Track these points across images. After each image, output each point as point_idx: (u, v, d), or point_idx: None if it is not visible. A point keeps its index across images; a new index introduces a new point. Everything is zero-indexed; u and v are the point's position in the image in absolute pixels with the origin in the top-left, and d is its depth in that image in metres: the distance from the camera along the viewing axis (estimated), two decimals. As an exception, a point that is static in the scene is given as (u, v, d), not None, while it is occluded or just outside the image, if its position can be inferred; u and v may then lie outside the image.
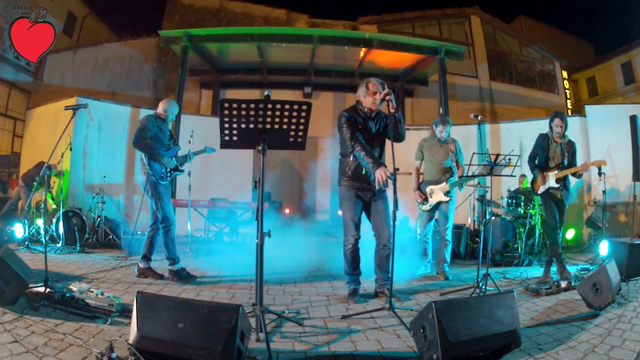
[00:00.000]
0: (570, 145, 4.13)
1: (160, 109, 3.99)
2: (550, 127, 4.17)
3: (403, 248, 4.91)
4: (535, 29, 16.80)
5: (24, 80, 10.48)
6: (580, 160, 4.20)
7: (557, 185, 4.06)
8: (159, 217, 3.86)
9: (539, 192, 4.18)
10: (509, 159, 3.69)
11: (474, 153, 4.01)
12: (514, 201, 5.82)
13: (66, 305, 2.69)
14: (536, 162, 4.22)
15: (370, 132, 3.33)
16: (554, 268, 4.29)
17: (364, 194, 3.35)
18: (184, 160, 4.11)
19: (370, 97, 3.27)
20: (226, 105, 2.47)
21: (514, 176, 3.83)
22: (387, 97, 3.06)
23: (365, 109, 3.33)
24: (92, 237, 5.70)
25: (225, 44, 7.78)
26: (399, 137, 3.23)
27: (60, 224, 5.33)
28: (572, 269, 4.57)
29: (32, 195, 5.10)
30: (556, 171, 4.06)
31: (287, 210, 7.65)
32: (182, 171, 4.10)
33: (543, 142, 4.21)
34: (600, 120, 6.90)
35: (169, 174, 3.94)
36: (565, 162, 4.08)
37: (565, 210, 4.14)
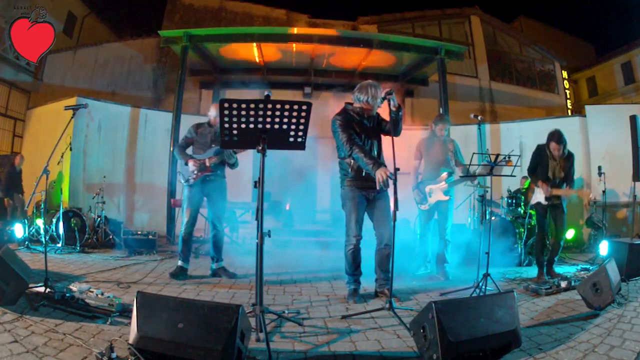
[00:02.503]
0: (567, 160, 4.08)
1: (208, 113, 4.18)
2: (548, 148, 4.08)
3: (403, 248, 4.90)
4: (535, 29, 16.80)
5: (24, 80, 10.47)
6: (579, 166, 4.17)
7: (546, 203, 4.09)
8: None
9: (531, 203, 4.23)
10: (509, 157, 3.69)
11: (474, 153, 4.00)
12: (514, 201, 5.82)
13: (66, 305, 2.69)
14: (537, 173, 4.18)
15: (366, 128, 3.34)
16: (555, 267, 4.29)
17: (368, 193, 3.35)
18: (226, 160, 3.96)
19: (372, 99, 3.26)
20: (226, 105, 2.47)
21: (514, 176, 3.81)
22: (388, 97, 3.06)
23: (358, 109, 3.34)
24: (92, 237, 5.70)
25: (225, 44, 7.78)
26: (396, 133, 3.23)
27: (60, 224, 5.33)
28: (572, 269, 4.58)
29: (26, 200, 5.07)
30: (547, 188, 4.04)
31: (287, 206, 7.62)
32: (212, 172, 3.96)
33: (542, 158, 4.14)
34: (600, 120, 6.91)
35: (194, 176, 3.91)
36: (563, 179, 4.09)
37: (565, 215, 4.15)
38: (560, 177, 4.07)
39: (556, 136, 4.00)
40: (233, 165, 4.03)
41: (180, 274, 3.92)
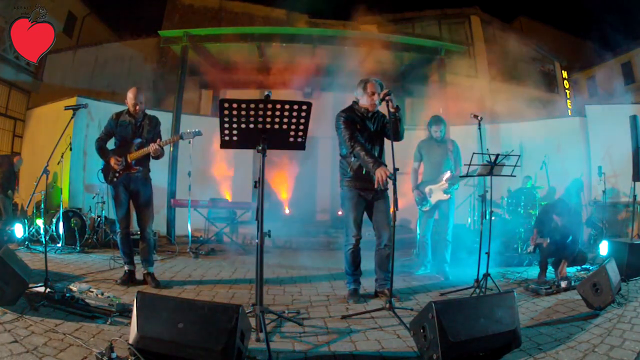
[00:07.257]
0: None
1: None
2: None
3: (403, 248, 4.91)
4: (535, 29, 16.76)
5: (24, 80, 10.46)
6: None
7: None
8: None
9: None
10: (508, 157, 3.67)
11: (474, 153, 4.00)
12: (514, 201, 5.81)
13: (66, 305, 2.69)
14: None
15: (369, 131, 3.33)
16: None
17: (366, 194, 3.35)
18: (152, 155, 3.51)
19: (368, 97, 3.28)
20: (226, 105, 2.47)
21: (514, 176, 3.81)
22: (387, 97, 3.06)
23: (362, 109, 3.34)
24: (92, 237, 5.70)
25: (225, 44, 7.78)
26: (398, 136, 3.23)
27: (60, 224, 5.33)
28: (572, 269, 4.57)
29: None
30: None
31: (287, 211, 7.63)
32: (137, 170, 3.57)
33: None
34: (600, 120, 6.90)
35: (116, 174, 3.58)
36: None
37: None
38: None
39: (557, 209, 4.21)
40: (158, 157, 3.60)
41: (129, 280, 3.59)
